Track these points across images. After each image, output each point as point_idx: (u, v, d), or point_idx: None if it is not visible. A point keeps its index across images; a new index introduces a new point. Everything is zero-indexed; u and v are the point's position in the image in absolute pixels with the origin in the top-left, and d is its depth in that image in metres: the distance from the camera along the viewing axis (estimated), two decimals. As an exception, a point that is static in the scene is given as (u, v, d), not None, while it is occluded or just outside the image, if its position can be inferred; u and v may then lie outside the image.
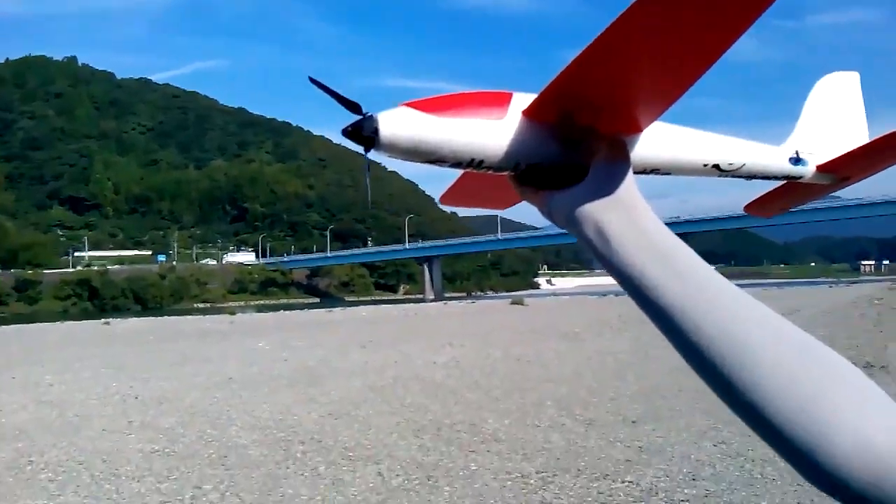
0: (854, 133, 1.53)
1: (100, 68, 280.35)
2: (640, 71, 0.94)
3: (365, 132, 1.02)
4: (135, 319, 41.66)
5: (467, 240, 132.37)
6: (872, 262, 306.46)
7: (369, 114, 1.03)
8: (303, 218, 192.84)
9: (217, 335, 24.43)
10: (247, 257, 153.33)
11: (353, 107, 1.03)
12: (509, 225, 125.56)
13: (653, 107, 1.05)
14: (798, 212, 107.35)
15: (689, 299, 0.81)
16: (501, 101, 1.05)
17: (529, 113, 1.03)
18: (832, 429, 0.68)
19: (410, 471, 6.69)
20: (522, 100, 1.05)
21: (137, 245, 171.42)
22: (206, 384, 12.32)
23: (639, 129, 1.10)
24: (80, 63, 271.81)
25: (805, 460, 0.69)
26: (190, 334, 25.18)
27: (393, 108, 1.04)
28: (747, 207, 1.60)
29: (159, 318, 43.54)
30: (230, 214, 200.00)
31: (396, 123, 1.01)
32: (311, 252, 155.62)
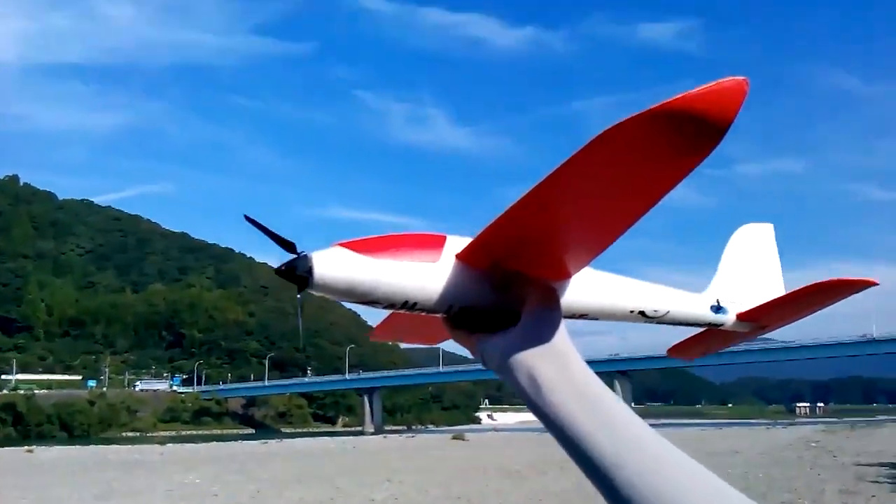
0: (770, 282, 1.67)
1: (42, 188, 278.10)
2: (568, 225, 0.95)
3: (299, 272, 1.01)
4: (60, 447, 39.78)
5: (409, 372, 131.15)
6: (807, 405, 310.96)
7: (304, 253, 1.02)
8: (241, 345, 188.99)
9: (146, 467, 23.47)
10: (160, 385, 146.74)
11: (287, 245, 1.02)
12: (451, 357, 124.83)
13: (581, 256, 1.06)
14: (733, 352, 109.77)
15: (621, 454, 0.80)
16: (436, 243, 1.05)
17: (463, 257, 1.03)
18: None
19: None
20: (456, 243, 1.05)
21: (67, 369, 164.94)
22: (132, 519, 11.80)
23: (568, 276, 1.11)
24: (21, 182, 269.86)
25: None
26: (117, 465, 24.16)
27: (327, 247, 1.02)
28: (670, 351, 1.78)
29: (86, 446, 41.61)
30: (166, 340, 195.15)
31: (330, 264, 1.00)
32: (249, 380, 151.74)
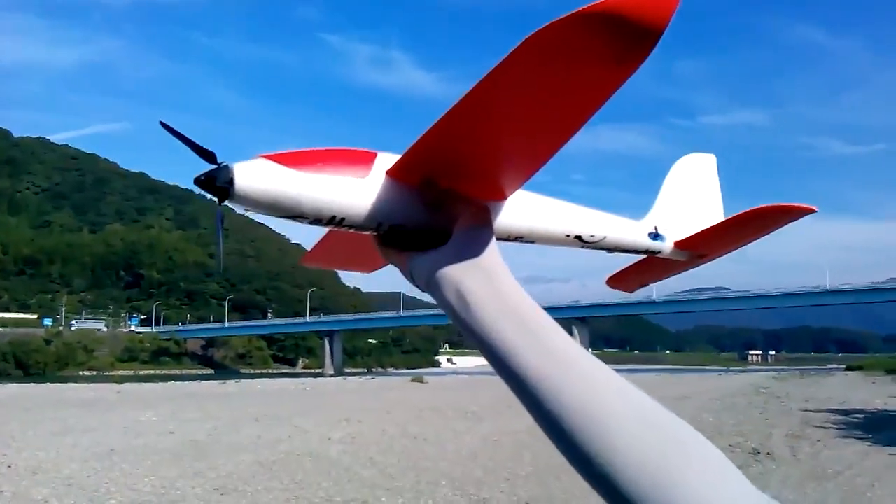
0: (710, 212, 1.62)
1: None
2: (502, 136, 0.92)
3: (219, 182, 0.97)
4: (15, 385, 39.28)
5: (369, 315, 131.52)
6: (759, 353, 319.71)
7: (224, 163, 0.98)
8: (201, 287, 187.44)
9: (102, 405, 23.28)
10: (97, 325, 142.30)
11: (207, 155, 0.98)
12: (412, 303, 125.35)
13: (516, 174, 1.03)
14: (688, 301, 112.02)
15: (548, 367, 0.79)
16: (365, 159, 1.02)
17: (393, 173, 1.01)
18: (680, 500, 0.68)
19: (298, 548, 6.50)
20: (387, 160, 1.03)
21: (23, 308, 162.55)
22: (85, 455, 11.72)
23: (503, 197, 1.09)
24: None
25: None
26: (73, 403, 23.89)
27: (250, 159, 1.00)
28: (609, 281, 1.70)
29: (42, 384, 41.18)
30: (124, 280, 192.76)
31: (253, 175, 0.97)
32: (208, 322, 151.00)
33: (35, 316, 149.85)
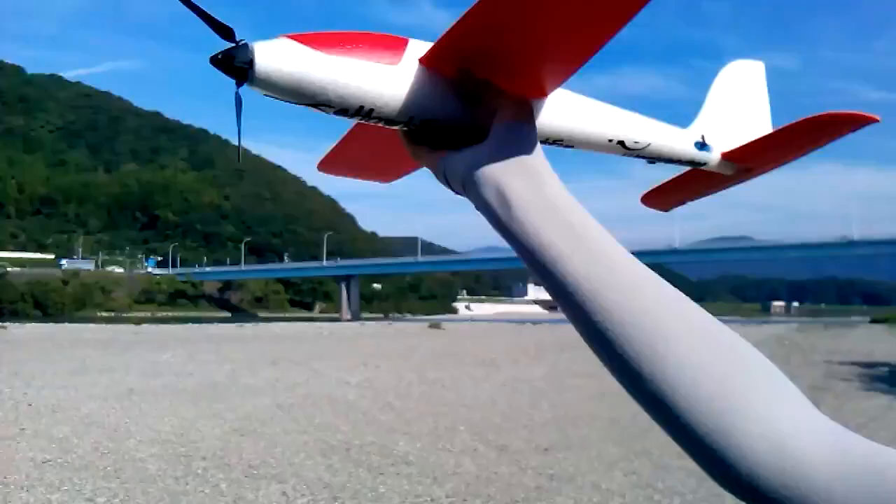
0: (758, 123, 1.50)
1: (9, 62, 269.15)
2: (545, 23, 0.85)
3: (237, 62, 0.89)
4: (33, 325, 39.79)
5: (387, 261, 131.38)
6: (783, 304, 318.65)
7: (244, 41, 0.89)
8: (217, 229, 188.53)
9: (120, 345, 23.49)
10: (87, 265, 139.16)
11: (224, 31, 0.89)
12: (430, 248, 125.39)
13: (558, 68, 0.97)
14: (711, 250, 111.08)
15: (598, 279, 0.74)
16: (397, 45, 0.94)
17: (426, 61, 0.93)
18: (743, 427, 0.64)
19: (316, 491, 6.46)
20: (420, 47, 0.95)
21: (40, 248, 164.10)
22: (104, 395, 11.76)
23: (543, 93, 1.03)
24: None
25: (715, 460, 0.65)
26: (91, 343, 24.15)
27: (272, 38, 0.92)
28: (644, 197, 1.51)
29: (60, 324, 41.67)
30: (140, 221, 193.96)
31: (276, 56, 0.89)
32: (225, 265, 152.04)
33: (52, 256, 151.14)
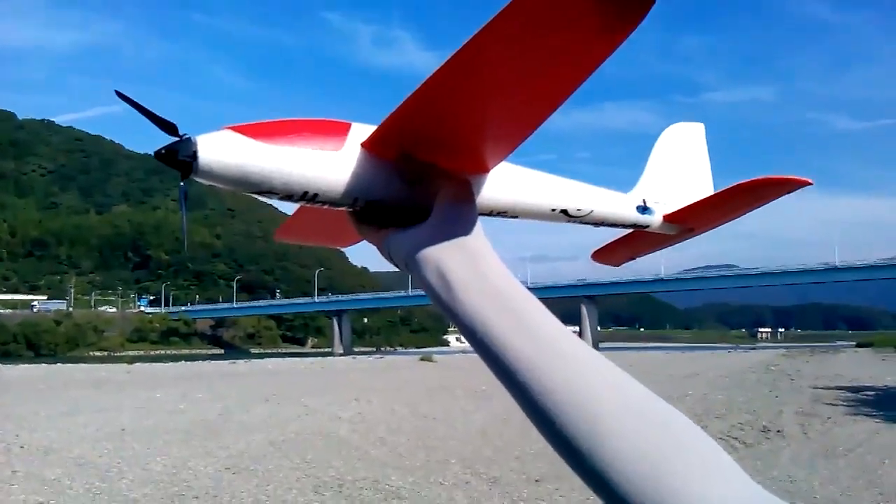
0: (699, 183, 1.56)
1: (1, 108, 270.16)
2: (484, 106, 0.86)
3: (181, 156, 0.91)
4: (26, 366, 39.52)
5: (378, 295, 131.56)
6: (769, 330, 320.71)
7: (186, 135, 0.91)
8: (209, 267, 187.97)
9: (113, 385, 23.40)
10: (59, 306, 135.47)
11: (167, 127, 0.92)
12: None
13: (499, 146, 0.97)
14: (697, 279, 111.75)
15: (535, 353, 0.75)
16: (339, 130, 0.95)
17: (368, 146, 0.94)
18: (678, 500, 0.65)
19: (309, 527, 6.52)
20: (362, 131, 0.96)
21: (32, 290, 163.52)
22: (97, 435, 11.78)
23: (485, 170, 1.03)
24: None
25: None
26: (84, 383, 24.03)
27: (215, 130, 0.93)
28: (594, 255, 1.63)
29: (53, 365, 41.43)
30: (132, 261, 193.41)
31: (218, 149, 0.90)
32: (217, 303, 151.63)
33: (44, 297, 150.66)
